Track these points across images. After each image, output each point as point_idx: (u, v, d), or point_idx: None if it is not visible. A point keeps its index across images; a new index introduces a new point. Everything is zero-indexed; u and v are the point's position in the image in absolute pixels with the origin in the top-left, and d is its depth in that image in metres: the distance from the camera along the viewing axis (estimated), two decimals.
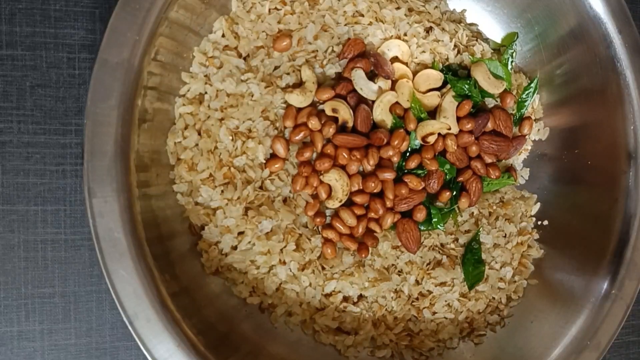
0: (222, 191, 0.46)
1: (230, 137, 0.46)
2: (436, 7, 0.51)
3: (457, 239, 0.53)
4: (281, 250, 0.48)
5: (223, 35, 0.47)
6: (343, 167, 0.49)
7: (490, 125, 0.52)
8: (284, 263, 0.48)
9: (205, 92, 0.47)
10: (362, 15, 0.50)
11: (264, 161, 0.48)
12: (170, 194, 0.46)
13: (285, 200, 0.49)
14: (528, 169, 0.56)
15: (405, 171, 0.51)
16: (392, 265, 0.51)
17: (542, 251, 0.54)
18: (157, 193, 0.44)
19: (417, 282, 0.51)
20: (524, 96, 0.54)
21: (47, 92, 0.48)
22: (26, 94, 0.48)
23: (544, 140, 0.55)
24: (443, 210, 0.52)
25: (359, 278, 0.49)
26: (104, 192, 0.39)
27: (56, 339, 0.49)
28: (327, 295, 0.50)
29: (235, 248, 0.47)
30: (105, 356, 0.50)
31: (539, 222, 0.55)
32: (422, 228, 0.51)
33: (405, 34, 0.50)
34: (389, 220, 0.50)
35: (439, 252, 0.52)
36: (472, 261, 0.52)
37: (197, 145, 0.46)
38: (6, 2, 0.48)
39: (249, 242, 0.47)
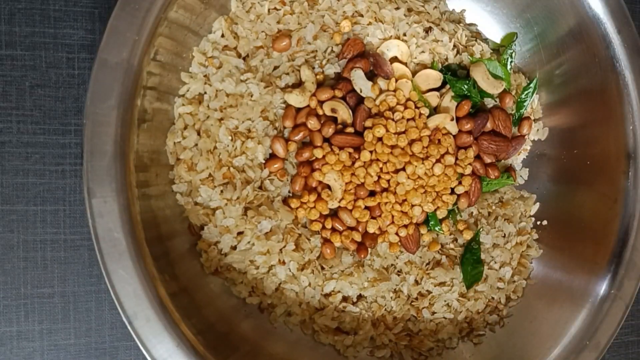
0: (222, 191, 0.46)
1: (230, 137, 0.46)
2: (435, 7, 0.51)
3: (456, 239, 0.53)
4: (280, 250, 0.48)
5: (222, 35, 0.47)
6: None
7: (489, 126, 0.52)
8: (284, 263, 0.48)
9: (205, 92, 0.47)
10: (362, 15, 0.50)
11: (264, 161, 0.48)
12: (169, 194, 0.46)
13: (284, 200, 0.49)
14: (527, 169, 0.56)
15: None
16: (392, 265, 0.51)
17: (541, 251, 0.55)
18: (157, 193, 0.44)
19: (417, 282, 0.51)
20: (523, 96, 0.54)
21: (47, 92, 0.48)
22: (25, 94, 0.48)
23: (543, 140, 0.55)
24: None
25: (358, 278, 0.49)
26: (104, 192, 0.39)
27: (55, 339, 0.49)
28: (327, 295, 0.50)
29: (234, 248, 0.47)
30: (104, 356, 0.50)
31: (538, 222, 0.55)
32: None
33: (404, 34, 0.50)
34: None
35: (438, 252, 0.52)
36: (470, 261, 0.52)
37: (196, 145, 0.46)
38: (5, 2, 0.48)
39: (249, 242, 0.47)
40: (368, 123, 0.49)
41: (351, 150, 0.49)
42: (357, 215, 0.49)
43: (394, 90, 0.49)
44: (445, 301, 0.52)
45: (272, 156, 0.48)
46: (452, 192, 0.51)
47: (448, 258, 0.52)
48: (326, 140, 0.49)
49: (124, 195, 0.39)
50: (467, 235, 0.52)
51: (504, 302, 0.54)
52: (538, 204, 0.55)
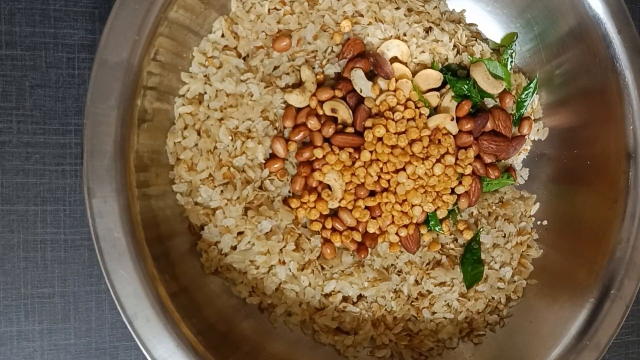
0: (222, 191, 0.46)
1: (230, 137, 0.46)
2: (435, 7, 0.51)
3: (456, 239, 0.53)
4: (281, 250, 0.48)
5: (223, 35, 0.47)
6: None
7: (489, 126, 0.52)
8: (284, 263, 0.48)
9: (205, 92, 0.47)
10: (362, 15, 0.50)
11: (264, 161, 0.48)
12: (169, 194, 0.46)
13: (284, 200, 0.49)
14: (527, 169, 0.56)
15: None
16: (392, 265, 0.51)
17: (541, 251, 0.55)
18: (157, 193, 0.44)
19: (417, 282, 0.51)
20: (523, 96, 0.54)
21: (47, 92, 0.48)
22: (26, 94, 0.48)
23: (543, 140, 0.55)
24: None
25: (358, 278, 0.49)
26: (104, 192, 0.39)
27: (56, 339, 0.49)
28: (327, 295, 0.50)
29: (234, 248, 0.47)
30: (104, 356, 0.50)
31: (539, 222, 0.55)
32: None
33: (404, 34, 0.50)
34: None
35: (439, 252, 0.52)
36: (471, 261, 0.52)
37: (196, 145, 0.46)
38: (6, 2, 0.48)
39: (249, 242, 0.47)
40: (368, 123, 0.49)
41: (351, 150, 0.49)
42: (357, 215, 0.49)
43: (394, 90, 0.49)
44: (445, 301, 0.52)
45: (272, 156, 0.48)
46: (452, 192, 0.51)
47: (448, 258, 0.52)
48: (326, 140, 0.49)
49: (124, 195, 0.39)
50: (467, 235, 0.52)
51: (504, 302, 0.54)
52: (538, 204, 0.55)
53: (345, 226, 0.50)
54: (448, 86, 0.51)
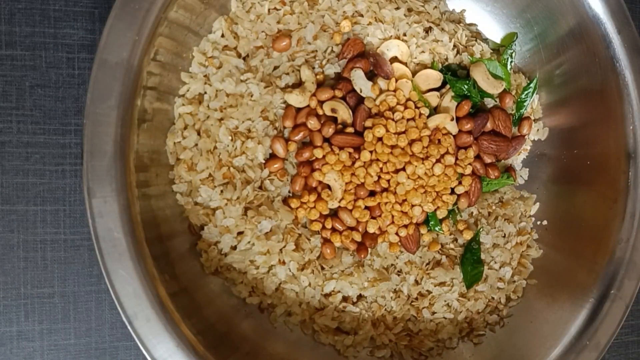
0: (222, 191, 0.46)
1: (230, 137, 0.46)
2: (435, 7, 0.51)
3: (456, 239, 0.53)
4: (280, 250, 0.48)
5: (222, 35, 0.47)
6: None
7: (489, 126, 0.52)
8: (284, 263, 0.48)
9: (205, 92, 0.47)
10: (362, 15, 0.50)
11: (264, 161, 0.48)
12: (169, 194, 0.46)
13: (284, 200, 0.49)
14: (527, 169, 0.56)
15: None
16: (392, 265, 0.51)
17: (541, 251, 0.55)
18: (157, 193, 0.44)
19: (417, 282, 0.51)
20: (523, 96, 0.54)
21: (47, 92, 0.48)
22: (25, 94, 0.48)
23: (543, 140, 0.55)
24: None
25: (358, 278, 0.49)
26: (104, 192, 0.39)
27: (55, 339, 0.49)
28: (327, 295, 0.50)
29: (234, 248, 0.47)
30: (104, 356, 0.50)
31: (538, 222, 0.55)
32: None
33: (404, 34, 0.50)
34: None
35: (438, 252, 0.52)
36: (471, 261, 0.52)
37: (196, 145, 0.46)
38: (5, 2, 0.48)
39: (249, 242, 0.47)
40: (368, 123, 0.49)
41: (351, 150, 0.49)
42: (357, 215, 0.49)
43: (394, 90, 0.49)
44: (445, 301, 0.52)
45: (272, 156, 0.48)
46: (452, 192, 0.51)
47: (448, 258, 0.52)
48: (326, 140, 0.49)
49: (124, 195, 0.39)
50: (467, 235, 0.52)
51: (504, 302, 0.54)
52: (538, 204, 0.55)
53: (345, 226, 0.50)
54: (448, 86, 0.51)
